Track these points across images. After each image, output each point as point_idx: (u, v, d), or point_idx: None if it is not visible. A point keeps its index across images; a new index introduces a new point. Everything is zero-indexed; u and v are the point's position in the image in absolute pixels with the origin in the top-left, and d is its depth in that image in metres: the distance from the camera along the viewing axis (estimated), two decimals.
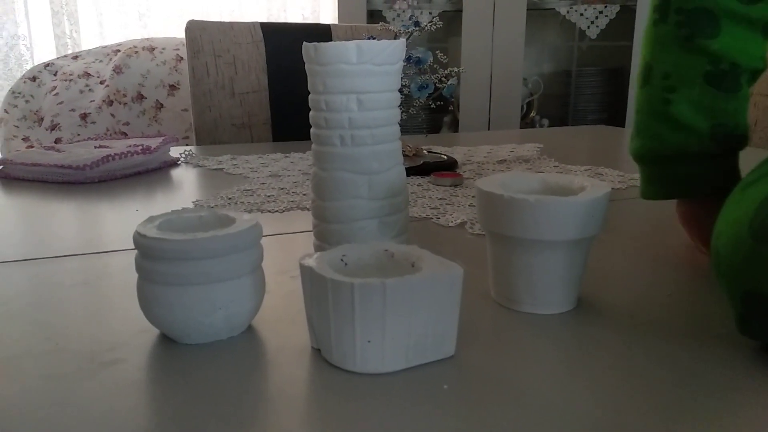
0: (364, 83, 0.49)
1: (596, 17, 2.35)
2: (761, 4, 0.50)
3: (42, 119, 2.05)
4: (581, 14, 2.36)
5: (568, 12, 2.37)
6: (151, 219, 0.44)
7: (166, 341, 0.42)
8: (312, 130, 0.53)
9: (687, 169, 0.56)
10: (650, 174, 0.58)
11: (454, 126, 2.45)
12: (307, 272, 0.39)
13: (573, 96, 2.52)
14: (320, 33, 1.57)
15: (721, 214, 0.42)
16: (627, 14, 2.34)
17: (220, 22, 1.52)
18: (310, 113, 0.52)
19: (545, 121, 2.56)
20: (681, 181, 0.56)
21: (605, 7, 2.35)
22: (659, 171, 0.57)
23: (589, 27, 2.37)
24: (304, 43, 0.50)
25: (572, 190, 0.48)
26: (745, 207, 0.38)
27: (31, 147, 1.85)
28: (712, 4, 0.50)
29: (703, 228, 0.57)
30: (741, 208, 0.39)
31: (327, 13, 2.65)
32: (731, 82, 0.52)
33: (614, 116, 2.46)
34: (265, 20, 2.52)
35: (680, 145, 0.54)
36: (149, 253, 0.40)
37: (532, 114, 2.54)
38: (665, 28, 0.53)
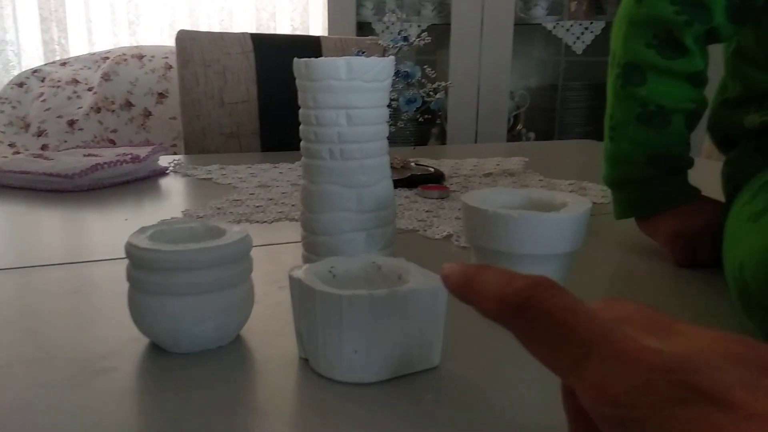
0: (354, 99, 0.51)
1: (582, 33, 2.39)
2: (680, 60, 0.60)
3: (29, 125, 2.04)
4: (567, 30, 2.40)
5: (554, 27, 2.40)
6: (142, 230, 0.45)
7: (157, 350, 0.43)
8: (302, 143, 0.54)
9: (635, 193, 0.65)
10: (613, 197, 0.68)
11: (442, 138, 2.47)
12: (296, 284, 0.40)
13: (559, 110, 2.56)
14: (310, 45, 1.58)
15: (735, 246, 0.42)
16: None
17: (210, 33, 1.53)
18: (300, 127, 0.53)
19: (531, 135, 2.58)
20: (632, 203, 0.66)
21: (591, 23, 2.39)
22: (617, 195, 0.67)
23: (575, 42, 2.40)
24: (295, 59, 0.51)
25: (554, 206, 0.50)
26: None
27: (18, 153, 1.84)
28: (639, 60, 0.61)
29: (665, 238, 0.64)
30: (764, 236, 0.39)
31: (316, 24, 2.66)
32: (660, 120, 0.61)
33: (599, 130, 2.47)
34: (254, 30, 2.53)
35: (625, 174, 0.65)
36: (141, 263, 0.41)
37: (518, 127, 2.56)
38: (611, 78, 0.65)
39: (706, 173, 0.73)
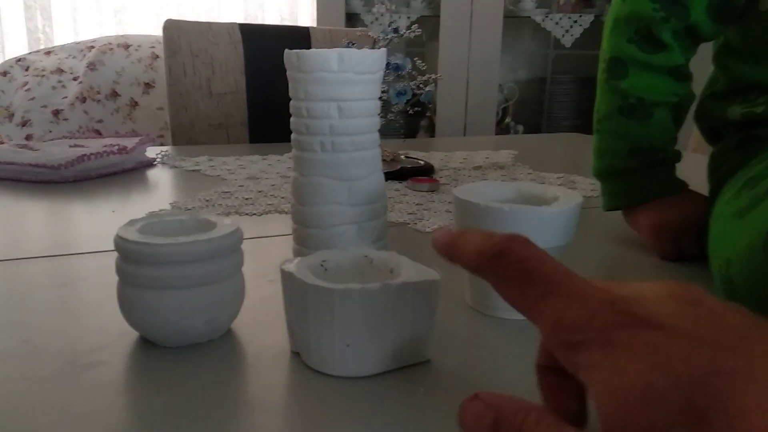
0: (345, 91, 0.50)
1: (571, 26, 2.40)
2: (659, 54, 0.62)
3: (12, 115, 2.02)
4: (556, 23, 2.40)
5: (543, 20, 2.41)
6: (131, 222, 0.44)
7: (146, 344, 0.42)
8: (293, 135, 0.53)
9: (620, 184, 0.67)
10: (601, 188, 0.70)
11: (431, 130, 2.47)
12: (288, 277, 0.40)
13: (547, 103, 2.56)
14: (299, 36, 1.57)
15: (721, 242, 0.42)
16: (601, 24, 2.38)
17: (198, 22, 1.51)
18: (291, 119, 0.53)
19: (520, 127, 2.59)
20: (618, 193, 0.67)
21: (580, 16, 2.39)
22: (604, 186, 0.69)
23: (563, 36, 2.41)
24: (286, 50, 0.51)
25: (546, 200, 0.50)
26: (754, 232, 0.39)
27: (2, 143, 1.82)
28: (622, 54, 0.63)
29: (650, 231, 0.64)
30: (749, 233, 0.39)
31: (305, 15, 2.64)
32: (641, 113, 0.63)
33: (587, 124, 2.49)
34: (242, 20, 2.51)
35: (610, 165, 0.67)
36: (130, 256, 0.41)
37: (507, 120, 2.57)
38: (599, 73, 0.67)
39: (694, 167, 0.74)
